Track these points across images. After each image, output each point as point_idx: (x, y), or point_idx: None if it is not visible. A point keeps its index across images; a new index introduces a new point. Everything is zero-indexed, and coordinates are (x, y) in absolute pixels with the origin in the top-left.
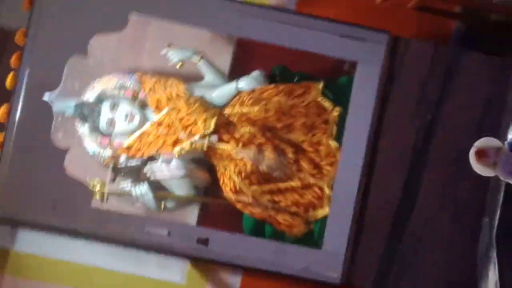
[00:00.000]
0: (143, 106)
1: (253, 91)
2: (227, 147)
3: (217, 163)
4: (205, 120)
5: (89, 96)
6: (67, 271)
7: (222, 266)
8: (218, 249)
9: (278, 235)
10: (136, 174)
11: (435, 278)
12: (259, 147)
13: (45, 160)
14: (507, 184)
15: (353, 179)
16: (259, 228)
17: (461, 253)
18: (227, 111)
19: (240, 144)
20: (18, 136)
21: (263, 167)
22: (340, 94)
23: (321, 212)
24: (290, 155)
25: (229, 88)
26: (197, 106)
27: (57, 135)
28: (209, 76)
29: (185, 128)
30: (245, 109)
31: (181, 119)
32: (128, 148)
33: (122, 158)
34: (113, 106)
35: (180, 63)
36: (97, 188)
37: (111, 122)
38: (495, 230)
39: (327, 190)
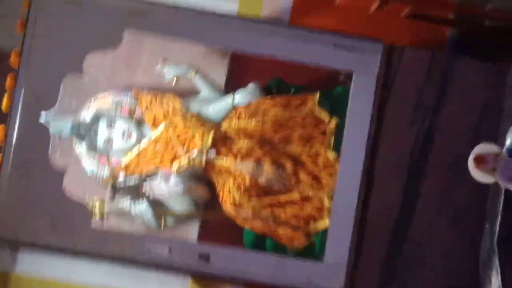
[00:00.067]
0: (139, 123)
1: (249, 104)
2: (225, 161)
3: (216, 178)
4: (202, 135)
5: (85, 115)
6: None
7: (224, 281)
8: (219, 264)
9: (279, 249)
10: (135, 191)
11: (436, 285)
12: (257, 160)
13: (43, 181)
14: (507, 190)
15: (352, 188)
16: (260, 242)
17: (461, 259)
18: (224, 125)
19: (238, 158)
20: (16, 157)
21: (262, 181)
22: (336, 104)
23: (321, 224)
24: (289, 167)
25: (225, 102)
26: (194, 121)
27: (55, 155)
28: (205, 91)
29: (182, 143)
30: (242, 123)
31: (178, 135)
32: (126, 166)
33: (121, 177)
34: (110, 124)
35: (175, 79)
36: (97, 207)
37: (109, 141)
38: (496, 235)
39: (326, 202)
